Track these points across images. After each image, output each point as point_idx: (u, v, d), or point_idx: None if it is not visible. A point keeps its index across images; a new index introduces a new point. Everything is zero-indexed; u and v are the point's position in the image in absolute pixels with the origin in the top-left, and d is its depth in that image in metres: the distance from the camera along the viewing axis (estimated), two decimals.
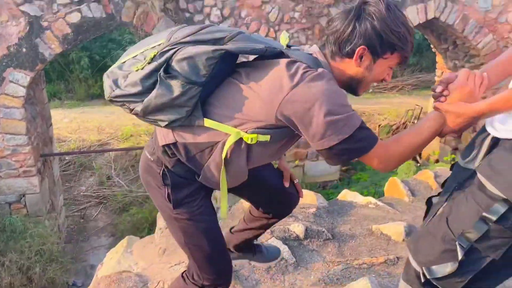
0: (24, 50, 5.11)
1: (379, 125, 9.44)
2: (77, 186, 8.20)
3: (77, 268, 6.18)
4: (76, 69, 11.68)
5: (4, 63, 5.11)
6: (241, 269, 2.01)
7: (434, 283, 1.12)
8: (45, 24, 5.08)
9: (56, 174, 6.81)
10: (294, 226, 2.29)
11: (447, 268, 1.09)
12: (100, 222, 7.36)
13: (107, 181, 8.25)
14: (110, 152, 8.82)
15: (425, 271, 1.12)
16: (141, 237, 2.60)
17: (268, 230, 2.30)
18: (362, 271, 2.04)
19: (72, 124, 9.84)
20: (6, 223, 5.34)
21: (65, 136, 9.12)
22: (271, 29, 5.86)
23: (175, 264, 2.08)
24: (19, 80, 5.20)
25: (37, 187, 5.68)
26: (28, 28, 5.03)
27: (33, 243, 5.24)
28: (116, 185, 8.14)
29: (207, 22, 5.55)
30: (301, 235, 2.24)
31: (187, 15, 5.50)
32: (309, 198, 2.63)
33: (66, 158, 8.62)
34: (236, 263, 1.79)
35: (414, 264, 1.17)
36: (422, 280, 1.14)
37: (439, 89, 1.16)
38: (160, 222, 2.47)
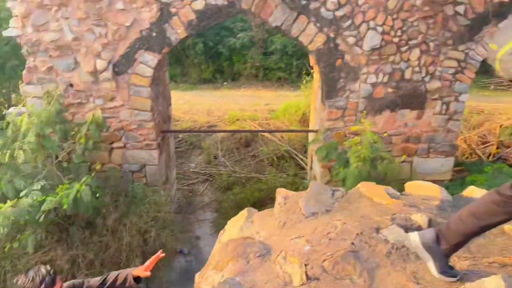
0: (154, 34, 5.62)
1: (501, 125, 8.56)
2: (187, 162, 8.86)
3: (184, 237, 6.71)
4: (191, 54, 12.51)
5: (136, 46, 5.67)
6: (361, 250, 2.02)
7: None
8: (173, 10, 5.52)
9: (172, 150, 7.42)
10: (417, 216, 2.22)
11: None
12: (206, 198, 7.87)
13: (214, 160, 8.78)
14: (218, 134, 9.34)
15: None
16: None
17: (388, 217, 2.27)
18: (492, 270, 1.92)
19: (185, 105, 10.61)
20: (130, 190, 5.99)
21: (179, 116, 9.88)
22: (389, 17, 5.63)
23: (295, 237, 2.17)
24: (148, 61, 5.74)
25: (156, 159, 6.25)
26: (159, 14, 5.51)
27: (150, 210, 5.80)
28: (222, 164, 8.62)
29: (323, 10, 5.53)
30: (424, 226, 2.17)
31: (304, 2, 5.53)
32: (432, 191, 2.53)
33: (179, 136, 9.34)
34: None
35: None
36: None
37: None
38: (279, 197, 2.58)
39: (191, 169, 8.61)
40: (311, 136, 7.47)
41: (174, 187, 7.43)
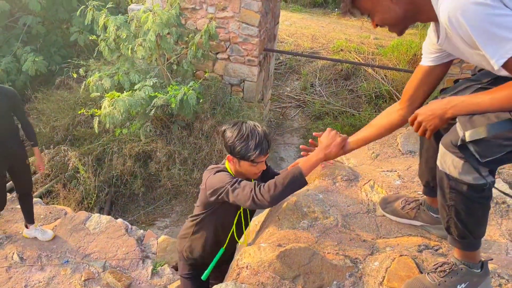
0: None
1: None
2: (283, 86, 8.89)
3: (269, 155, 6.96)
4: None
5: None
6: None
7: (470, 147, 1.20)
8: None
9: (271, 70, 7.45)
10: None
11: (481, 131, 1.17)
12: (296, 123, 7.95)
13: (310, 88, 8.68)
14: (318, 62, 9.11)
15: (466, 134, 1.20)
16: None
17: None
18: None
19: (291, 28, 10.36)
20: (227, 100, 6.24)
21: (283, 38, 9.73)
22: None
23: (386, 170, 2.14)
24: None
25: (255, 76, 6.36)
26: None
27: None
28: (317, 93, 8.51)
29: None
30: None
31: None
32: None
33: (280, 58, 9.29)
34: None
35: (458, 128, 1.22)
36: (459, 143, 1.22)
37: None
38: None
39: (286, 93, 8.64)
40: None
41: (267, 107, 7.59)
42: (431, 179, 1.65)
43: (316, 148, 1.74)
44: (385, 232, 1.83)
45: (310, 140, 1.86)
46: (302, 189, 2.14)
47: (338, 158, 2.39)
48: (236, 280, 1.59)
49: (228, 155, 1.89)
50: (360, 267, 1.64)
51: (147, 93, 5.08)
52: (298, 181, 1.63)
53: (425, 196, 1.78)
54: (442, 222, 1.44)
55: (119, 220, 4.07)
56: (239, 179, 1.76)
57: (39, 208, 4.10)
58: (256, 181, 1.73)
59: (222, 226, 2.01)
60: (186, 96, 5.08)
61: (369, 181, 2.08)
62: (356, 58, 9.02)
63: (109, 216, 4.04)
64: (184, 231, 2.18)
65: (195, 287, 2.24)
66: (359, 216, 1.92)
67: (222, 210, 1.95)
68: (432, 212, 1.76)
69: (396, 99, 8.07)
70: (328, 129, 1.74)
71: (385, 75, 8.56)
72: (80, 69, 5.85)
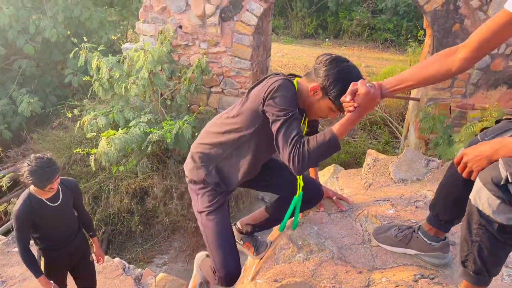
0: None
1: None
2: None
3: None
4: (297, 6, 12.24)
5: None
6: None
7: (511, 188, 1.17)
8: None
9: None
10: None
11: None
12: None
13: None
14: None
15: (509, 176, 1.16)
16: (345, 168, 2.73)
17: None
18: None
19: (283, 59, 10.58)
20: None
21: (275, 69, 9.91)
22: None
23: (380, 200, 2.15)
24: (254, 10, 5.77)
25: None
26: None
27: None
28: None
29: None
30: None
31: None
32: None
33: None
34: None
35: (502, 167, 1.19)
36: (502, 183, 1.18)
37: (348, 98, 1.45)
38: (369, 158, 2.54)
39: None
40: (410, 104, 7.05)
41: None
42: (443, 214, 1.65)
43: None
44: (381, 262, 1.83)
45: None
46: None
47: (331, 188, 2.40)
48: None
49: (316, 84, 1.64)
50: None
51: (142, 129, 5.13)
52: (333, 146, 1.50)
53: (423, 222, 1.77)
54: (460, 254, 1.40)
55: (116, 259, 4.01)
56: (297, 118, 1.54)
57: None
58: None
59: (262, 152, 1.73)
60: (181, 130, 5.13)
61: (363, 211, 2.08)
62: None
63: (106, 256, 3.98)
64: (211, 146, 1.78)
65: (224, 223, 1.78)
66: (355, 247, 1.92)
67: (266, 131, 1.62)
68: (427, 238, 1.75)
69: (391, 125, 8.15)
70: (360, 81, 1.45)
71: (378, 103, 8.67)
72: (75, 109, 5.93)
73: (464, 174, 1.31)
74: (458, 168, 1.33)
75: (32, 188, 2.53)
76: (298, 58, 10.66)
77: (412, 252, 1.80)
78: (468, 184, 1.35)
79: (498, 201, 1.21)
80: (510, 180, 1.16)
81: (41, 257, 2.80)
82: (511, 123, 1.39)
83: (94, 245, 3.10)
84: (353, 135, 8.17)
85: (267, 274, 1.79)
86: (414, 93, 6.84)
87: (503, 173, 1.18)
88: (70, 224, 2.83)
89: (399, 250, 1.83)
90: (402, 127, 7.87)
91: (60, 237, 2.77)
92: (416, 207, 2.07)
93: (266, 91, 1.59)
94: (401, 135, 7.57)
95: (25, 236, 2.55)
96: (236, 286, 1.92)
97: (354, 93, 1.44)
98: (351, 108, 1.44)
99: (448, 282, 1.67)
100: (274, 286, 1.65)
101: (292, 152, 1.48)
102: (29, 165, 2.34)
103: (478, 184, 1.27)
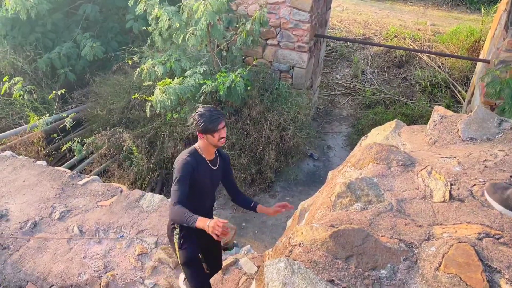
0: None
1: None
2: (333, 73, 8.74)
3: (317, 143, 6.91)
4: None
5: None
6: None
7: None
8: None
9: (321, 56, 7.34)
10: None
11: None
12: (345, 111, 7.81)
13: (361, 76, 8.47)
14: (370, 48, 8.85)
15: None
16: None
17: None
18: None
19: (343, 14, 10.12)
20: (275, 87, 6.24)
21: (334, 24, 9.54)
22: None
23: (445, 157, 2.06)
24: None
25: (305, 63, 6.29)
26: None
27: (291, 110, 6.02)
28: (368, 81, 8.29)
29: None
30: None
31: None
32: None
33: (331, 45, 9.12)
34: None
35: None
36: None
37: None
38: (436, 114, 2.42)
39: (335, 80, 8.49)
40: (478, 66, 6.57)
41: (316, 94, 7.50)
42: None
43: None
44: (443, 218, 1.77)
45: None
46: (354, 173, 2.11)
47: (394, 144, 2.33)
48: (288, 257, 1.61)
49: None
50: (416, 251, 1.60)
51: (197, 80, 5.18)
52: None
53: None
54: None
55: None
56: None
57: (96, 185, 4.34)
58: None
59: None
60: (234, 83, 5.13)
61: (426, 167, 2.00)
62: (411, 45, 8.67)
63: (162, 195, 4.19)
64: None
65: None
66: (415, 201, 1.87)
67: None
68: None
69: (453, 88, 7.69)
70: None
71: (441, 63, 8.18)
72: (134, 56, 6.07)
73: None
74: None
75: (198, 145, 2.55)
76: (358, 14, 10.16)
77: None
78: None
79: None
80: None
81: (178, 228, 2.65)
82: None
83: (264, 210, 2.82)
84: (411, 96, 7.82)
85: (323, 219, 1.79)
86: (484, 54, 6.36)
87: None
88: (212, 197, 2.81)
89: (509, 213, 1.66)
90: (466, 91, 7.41)
91: (204, 207, 2.69)
92: (485, 167, 1.96)
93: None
94: (464, 100, 7.14)
95: (183, 188, 2.38)
96: (294, 228, 1.95)
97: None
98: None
99: None
100: (331, 230, 1.65)
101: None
102: (196, 112, 2.48)
103: None
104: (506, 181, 1.78)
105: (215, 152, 2.63)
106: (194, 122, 2.47)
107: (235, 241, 4.15)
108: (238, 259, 3.61)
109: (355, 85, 8.24)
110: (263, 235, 5.47)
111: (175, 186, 2.38)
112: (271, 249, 2.96)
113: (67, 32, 7.33)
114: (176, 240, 2.65)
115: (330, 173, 2.75)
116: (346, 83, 8.36)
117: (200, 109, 2.48)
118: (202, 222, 2.20)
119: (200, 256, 2.83)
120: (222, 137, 2.47)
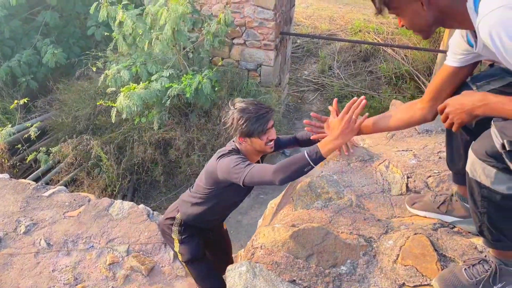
0: None
1: None
2: (301, 69, 8.81)
3: None
4: None
5: None
6: None
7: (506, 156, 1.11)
8: None
9: (288, 53, 7.39)
10: None
11: None
12: (314, 107, 7.89)
13: (328, 71, 8.58)
14: (336, 44, 8.97)
15: (506, 143, 1.10)
16: None
17: None
18: None
19: (308, 10, 10.21)
20: (244, 86, 6.25)
21: (299, 20, 9.61)
22: None
23: (402, 150, 2.11)
24: None
25: (272, 60, 6.32)
26: None
27: None
28: (336, 76, 8.40)
29: None
30: None
31: None
32: None
33: (297, 41, 9.19)
34: None
35: (496, 137, 1.13)
36: (501, 152, 1.12)
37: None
38: (393, 108, 2.48)
39: (303, 76, 8.56)
40: (439, 57, 6.77)
41: (285, 91, 7.55)
42: (462, 167, 1.52)
43: (329, 131, 1.72)
44: (400, 211, 1.82)
45: (312, 114, 1.86)
46: (315, 171, 2.14)
47: (353, 138, 2.37)
48: (250, 260, 1.62)
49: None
50: (374, 245, 1.64)
51: (162, 84, 5.13)
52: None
53: (455, 187, 1.69)
54: (475, 226, 1.38)
55: (141, 206, 4.16)
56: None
57: (63, 195, 4.23)
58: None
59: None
60: (201, 85, 5.10)
61: (384, 161, 2.06)
62: (375, 38, 8.84)
63: (131, 202, 4.13)
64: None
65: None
66: (374, 196, 1.92)
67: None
68: (465, 202, 1.64)
69: (417, 80, 7.90)
70: (343, 113, 1.64)
71: (405, 55, 8.37)
72: (98, 62, 5.96)
73: (446, 125, 1.30)
74: (441, 118, 1.32)
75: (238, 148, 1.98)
76: (323, 9, 10.27)
77: (449, 219, 1.71)
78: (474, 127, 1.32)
79: (494, 170, 1.18)
80: (508, 148, 1.11)
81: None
82: (506, 73, 1.32)
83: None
84: (377, 89, 7.98)
85: (285, 219, 1.81)
86: (444, 45, 6.55)
87: (497, 142, 1.14)
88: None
89: (434, 215, 1.74)
90: (429, 81, 7.62)
91: (222, 217, 2.42)
92: (440, 158, 2.03)
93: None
94: None
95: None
96: (257, 230, 1.97)
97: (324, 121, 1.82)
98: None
99: (468, 232, 1.66)
100: (292, 230, 1.68)
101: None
102: (235, 109, 1.92)
103: (471, 157, 1.23)
104: (417, 190, 1.95)
105: (258, 160, 2.05)
106: (234, 122, 1.88)
107: None
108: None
109: (323, 80, 8.34)
110: (239, 234, 5.48)
111: (246, 165, 1.72)
112: (243, 249, 2.97)
113: (26, 39, 7.10)
114: (175, 235, 2.26)
115: None
116: (315, 79, 8.45)
117: (241, 104, 1.90)
118: (329, 145, 1.60)
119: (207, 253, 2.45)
120: (272, 140, 1.91)
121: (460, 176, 1.61)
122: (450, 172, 1.79)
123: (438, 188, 1.88)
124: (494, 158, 1.17)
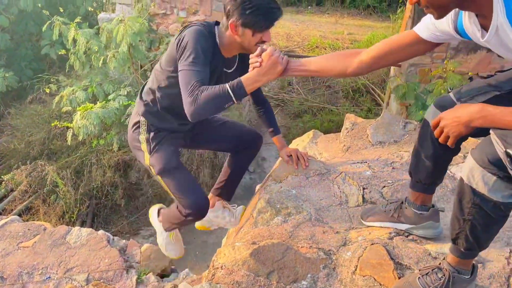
0: None
1: None
2: (261, 86, 8.91)
3: None
4: None
5: None
6: None
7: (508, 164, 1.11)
8: None
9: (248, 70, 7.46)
10: None
11: None
12: None
13: (288, 86, 8.73)
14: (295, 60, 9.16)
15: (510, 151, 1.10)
16: None
17: (461, 154, 2.16)
18: None
19: None
20: None
21: None
22: None
23: (357, 162, 2.17)
24: None
25: None
26: None
27: None
28: (295, 92, 8.56)
29: None
30: None
31: None
32: None
33: None
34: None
35: (498, 145, 1.13)
36: (507, 159, 1.11)
37: (256, 53, 1.59)
38: (347, 122, 2.55)
39: (264, 93, 8.67)
40: (392, 70, 7.05)
41: (246, 108, 7.60)
42: (425, 178, 1.60)
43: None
44: (358, 222, 1.86)
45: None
46: (275, 187, 2.16)
47: (311, 154, 2.41)
48: (211, 281, 1.60)
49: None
50: (334, 258, 1.66)
51: (121, 102, 5.04)
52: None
53: (408, 192, 1.72)
54: (451, 232, 1.38)
55: (100, 231, 4.01)
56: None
57: (16, 225, 4.01)
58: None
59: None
60: None
61: (340, 173, 2.10)
62: (331, 53, 9.11)
63: (90, 229, 3.97)
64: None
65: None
66: (332, 208, 1.95)
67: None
68: (415, 209, 1.69)
69: (373, 93, 8.18)
70: (271, 49, 1.57)
71: None
72: (51, 85, 5.78)
73: (441, 139, 1.26)
74: (435, 133, 1.28)
75: (219, 31, 1.80)
76: (280, 27, 10.50)
77: (403, 226, 1.75)
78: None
79: (494, 178, 1.17)
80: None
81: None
82: (490, 87, 1.35)
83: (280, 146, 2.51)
84: (336, 103, 8.19)
85: (245, 238, 1.81)
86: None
87: (500, 150, 1.13)
88: None
89: (389, 225, 1.79)
90: (384, 94, 7.91)
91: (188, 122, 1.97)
92: (393, 168, 2.10)
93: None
94: (384, 102, 7.61)
95: (205, 70, 1.71)
96: (218, 250, 1.94)
97: (261, 52, 1.58)
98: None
99: (422, 239, 1.71)
100: (252, 248, 1.67)
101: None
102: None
103: (470, 162, 1.22)
104: (373, 201, 1.98)
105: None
106: (239, 2, 1.65)
107: (173, 266, 4.04)
108: (177, 284, 3.52)
109: (283, 96, 8.47)
110: (205, 255, 5.38)
111: (192, 65, 1.56)
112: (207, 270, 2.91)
113: None
114: (143, 145, 1.98)
115: (257, 187, 2.79)
116: (275, 95, 8.57)
117: None
118: (254, 82, 1.54)
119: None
120: (264, 42, 1.76)
121: (420, 184, 1.64)
122: (404, 181, 1.85)
123: (393, 198, 1.94)
124: (495, 166, 1.16)
